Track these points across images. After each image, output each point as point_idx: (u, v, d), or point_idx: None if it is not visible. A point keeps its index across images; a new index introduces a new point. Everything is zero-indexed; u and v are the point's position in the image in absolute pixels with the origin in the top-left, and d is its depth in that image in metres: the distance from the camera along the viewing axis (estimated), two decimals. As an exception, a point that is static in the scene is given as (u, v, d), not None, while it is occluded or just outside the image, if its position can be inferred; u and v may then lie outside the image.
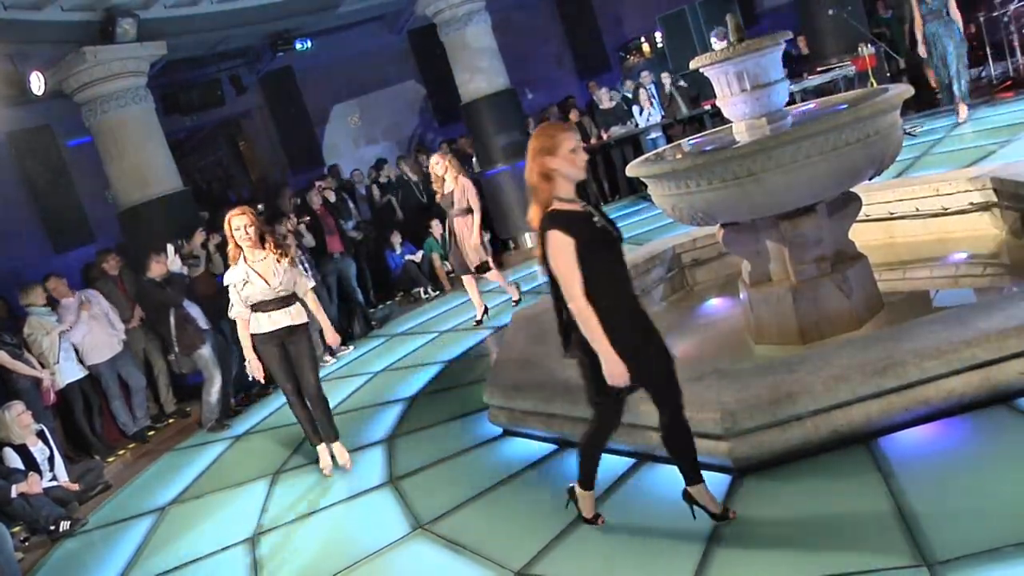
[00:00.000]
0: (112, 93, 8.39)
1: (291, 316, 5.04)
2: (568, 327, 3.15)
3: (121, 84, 8.40)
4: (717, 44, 8.25)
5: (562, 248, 2.96)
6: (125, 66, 8.33)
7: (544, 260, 3.06)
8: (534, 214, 3.08)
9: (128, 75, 8.40)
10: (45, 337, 7.09)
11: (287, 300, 5.02)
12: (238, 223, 4.88)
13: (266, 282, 4.92)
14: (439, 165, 7.45)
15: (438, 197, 7.60)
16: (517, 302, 7.65)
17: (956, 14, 8.28)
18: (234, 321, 5.21)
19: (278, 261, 4.95)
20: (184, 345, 7.10)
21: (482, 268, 7.59)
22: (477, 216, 7.39)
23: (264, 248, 4.95)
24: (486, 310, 7.73)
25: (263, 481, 5.51)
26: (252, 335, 5.01)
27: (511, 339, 5.68)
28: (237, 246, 4.92)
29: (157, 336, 7.88)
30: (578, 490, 3.51)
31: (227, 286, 5.00)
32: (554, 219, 3.01)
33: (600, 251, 3.03)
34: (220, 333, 7.64)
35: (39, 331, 7.10)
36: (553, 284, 3.11)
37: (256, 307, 4.99)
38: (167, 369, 7.99)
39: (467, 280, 7.68)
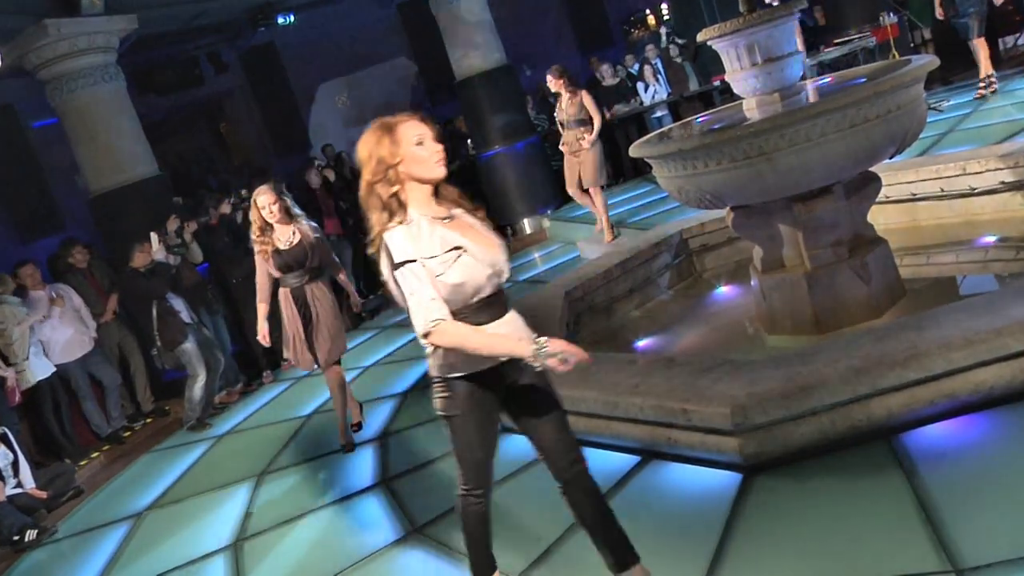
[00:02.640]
0: (79, 70, 8.29)
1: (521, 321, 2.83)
2: None
3: (88, 61, 8.31)
4: (552, 83, 8.03)
5: None
6: (92, 41, 8.24)
7: None
8: None
9: (96, 51, 8.31)
10: (16, 327, 7.05)
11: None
12: (418, 130, 2.61)
13: (495, 247, 2.72)
14: (274, 206, 5.18)
15: (261, 252, 5.24)
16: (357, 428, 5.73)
17: None
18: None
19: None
20: (166, 340, 7.07)
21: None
22: (344, 278, 5.79)
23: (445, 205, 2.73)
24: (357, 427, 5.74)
25: (247, 483, 5.49)
26: (463, 378, 2.71)
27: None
28: (399, 183, 2.60)
29: (134, 331, 7.85)
30: None
31: (404, 264, 2.53)
32: None
33: None
34: (204, 327, 7.62)
35: (11, 320, 7.05)
36: None
37: (465, 311, 2.64)
38: (144, 365, 7.97)
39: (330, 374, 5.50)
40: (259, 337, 5.46)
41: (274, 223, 5.23)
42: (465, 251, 2.59)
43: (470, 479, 2.83)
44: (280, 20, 11.20)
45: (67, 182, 10.46)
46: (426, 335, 2.55)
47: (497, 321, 2.69)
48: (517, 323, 2.78)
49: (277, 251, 5.24)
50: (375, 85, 13.97)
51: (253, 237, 5.30)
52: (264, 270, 5.33)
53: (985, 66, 8.32)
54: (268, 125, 13.47)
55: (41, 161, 10.71)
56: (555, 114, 8.36)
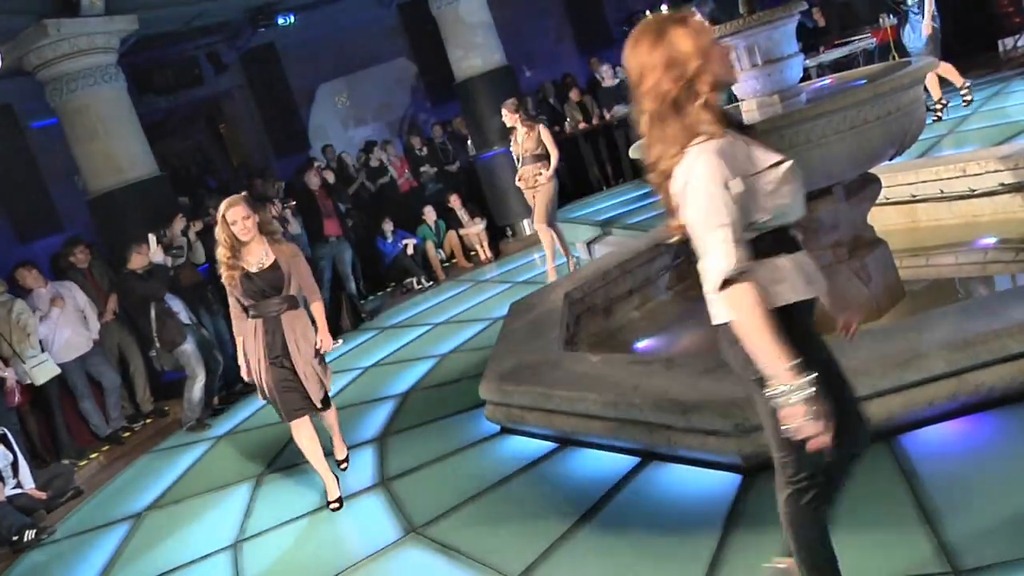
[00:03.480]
0: (79, 71, 8.30)
1: None
2: None
3: (89, 61, 8.32)
4: (508, 118, 7.74)
5: None
6: (92, 42, 8.25)
7: None
8: None
9: (96, 51, 8.31)
10: (31, 319, 7.05)
11: None
12: (708, 27, 2.13)
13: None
14: (247, 222, 4.48)
15: (228, 278, 4.57)
16: None
17: None
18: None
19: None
20: (165, 341, 7.09)
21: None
22: (318, 308, 4.85)
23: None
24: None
25: (246, 484, 5.50)
26: (782, 315, 2.13)
27: (508, 331, 5.66)
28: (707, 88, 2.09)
29: (134, 331, 7.86)
30: None
31: (718, 190, 2.02)
32: None
33: None
34: (203, 327, 7.62)
35: (27, 311, 7.07)
36: None
37: (780, 236, 2.20)
38: (144, 366, 7.97)
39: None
40: (243, 375, 4.79)
41: (247, 240, 4.50)
42: (790, 165, 2.09)
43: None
44: (280, 20, 11.21)
45: (66, 183, 10.44)
46: (720, 288, 2.09)
47: (803, 250, 2.22)
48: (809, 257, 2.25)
49: (247, 275, 4.51)
50: (375, 85, 13.95)
51: (221, 259, 4.52)
52: (236, 299, 4.64)
53: (958, 79, 8.20)
54: (267, 125, 13.45)
55: (40, 162, 10.70)
56: (510, 148, 8.03)
